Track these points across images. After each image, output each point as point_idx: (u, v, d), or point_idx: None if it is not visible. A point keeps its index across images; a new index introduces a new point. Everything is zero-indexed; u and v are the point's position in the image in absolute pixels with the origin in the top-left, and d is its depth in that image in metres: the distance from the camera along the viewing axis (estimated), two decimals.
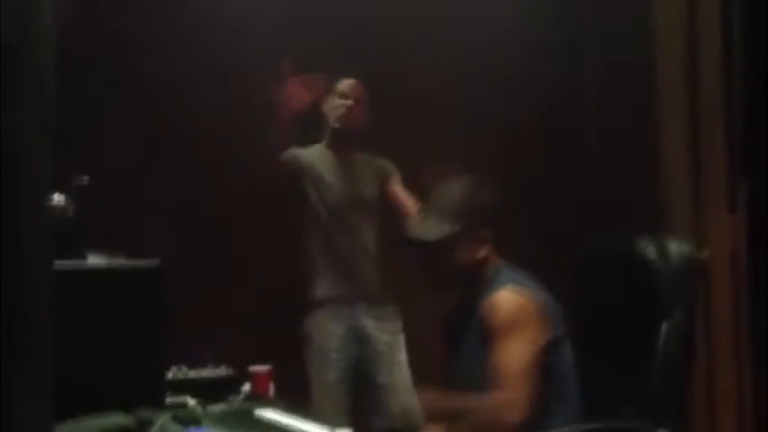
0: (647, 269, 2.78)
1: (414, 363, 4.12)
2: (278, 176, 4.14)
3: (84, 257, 2.47)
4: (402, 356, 4.11)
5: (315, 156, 4.20)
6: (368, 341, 4.08)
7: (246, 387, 3.11)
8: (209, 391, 2.94)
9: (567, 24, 5.00)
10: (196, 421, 2.20)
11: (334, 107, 4.17)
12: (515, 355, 2.65)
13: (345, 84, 4.19)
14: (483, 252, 2.86)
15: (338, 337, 4.04)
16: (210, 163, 4.58)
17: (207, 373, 3.13)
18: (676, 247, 2.80)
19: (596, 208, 4.75)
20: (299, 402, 3.08)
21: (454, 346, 2.96)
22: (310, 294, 4.12)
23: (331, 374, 4.00)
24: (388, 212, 4.13)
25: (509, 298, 2.73)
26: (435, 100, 4.78)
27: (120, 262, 2.50)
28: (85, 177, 2.68)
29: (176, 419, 2.19)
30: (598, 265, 3.06)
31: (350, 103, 4.15)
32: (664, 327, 2.71)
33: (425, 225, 2.86)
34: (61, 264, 2.03)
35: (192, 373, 3.12)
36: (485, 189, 2.92)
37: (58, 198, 2.45)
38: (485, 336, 2.73)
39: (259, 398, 3.02)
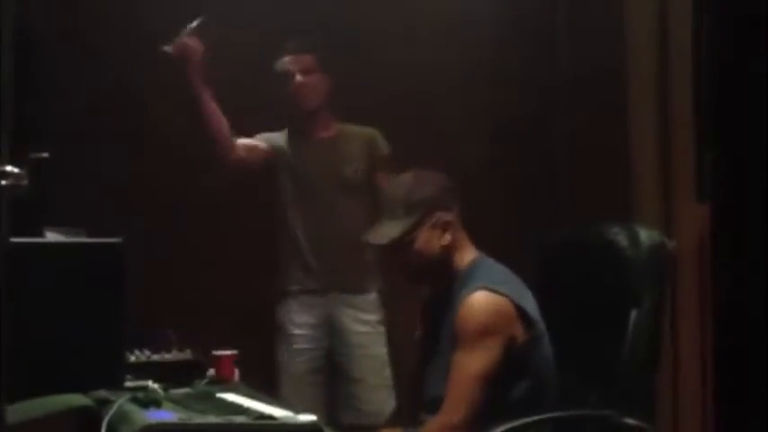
0: (616, 257, 2.75)
1: (394, 357, 3.95)
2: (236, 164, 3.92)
3: (41, 234, 2.41)
4: (380, 350, 3.90)
5: (285, 138, 3.99)
6: (341, 332, 3.88)
7: (211, 372, 3.07)
8: (173, 376, 2.89)
9: (537, 15, 4.95)
10: (156, 403, 2.15)
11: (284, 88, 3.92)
12: (471, 369, 2.60)
13: (285, 61, 3.93)
14: (447, 237, 2.80)
15: (309, 326, 3.87)
16: (179, 143, 4.49)
17: (170, 357, 3.09)
18: (646, 236, 2.77)
19: (563, 197, 4.72)
20: (264, 389, 3.04)
21: (430, 341, 2.92)
22: (282, 281, 3.94)
23: (301, 365, 3.85)
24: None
25: (482, 302, 2.66)
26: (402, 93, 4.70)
27: (78, 239, 2.44)
28: (45, 153, 2.60)
29: (135, 401, 2.15)
30: (566, 252, 3.04)
31: (298, 78, 3.89)
32: (633, 315, 2.68)
33: (379, 228, 2.84)
34: (17, 239, 2.01)
35: (156, 357, 3.07)
36: (431, 177, 2.89)
37: (12, 170, 2.37)
38: (454, 337, 2.68)
39: (223, 382, 2.98)
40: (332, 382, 3.91)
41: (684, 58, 4.11)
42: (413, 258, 2.79)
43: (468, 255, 2.84)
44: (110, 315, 2.29)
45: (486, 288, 2.68)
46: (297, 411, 2.30)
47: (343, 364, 3.88)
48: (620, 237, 2.79)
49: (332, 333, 3.89)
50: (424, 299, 3.03)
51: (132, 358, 2.98)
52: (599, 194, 4.42)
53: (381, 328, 3.93)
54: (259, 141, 3.98)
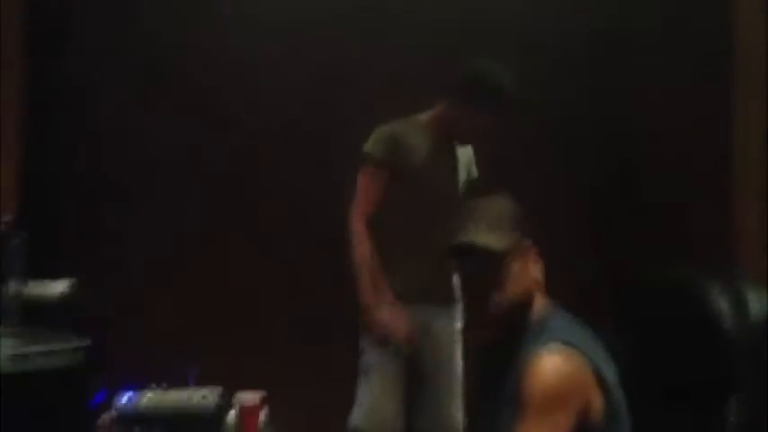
0: (717, 327, 2.28)
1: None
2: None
3: None
4: (458, 363, 3.74)
5: (413, 134, 3.68)
6: (433, 341, 3.70)
7: (232, 417, 2.71)
8: (187, 427, 2.55)
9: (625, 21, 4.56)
10: None
11: None
12: None
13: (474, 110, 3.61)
14: (538, 269, 2.38)
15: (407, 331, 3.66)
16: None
17: (187, 394, 2.73)
18: (755, 302, 2.29)
19: (656, 238, 4.32)
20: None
21: (485, 388, 2.48)
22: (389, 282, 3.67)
23: (393, 368, 3.64)
24: None
25: (556, 362, 2.20)
26: None
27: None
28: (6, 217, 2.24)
29: None
30: (657, 308, 2.55)
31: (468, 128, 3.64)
32: (734, 402, 2.23)
33: (483, 233, 2.34)
34: None
35: (172, 395, 2.72)
36: (519, 205, 2.44)
37: None
38: (518, 401, 2.22)
39: None
40: (414, 388, 3.71)
41: None
42: (508, 283, 2.33)
43: (542, 302, 2.39)
44: None
45: (560, 344, 2.22)
46: None
47: (429, 374, 3.72)
48: (722, 302, 2.31)
49: (424, 341, 3.69)
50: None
51: (149, 395, 2.68)
52: (696, 234, 4.09)
53: (460, 340, 3.77)
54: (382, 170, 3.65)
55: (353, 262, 3.58)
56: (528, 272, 2.35)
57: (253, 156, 4.37)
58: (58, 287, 2.57)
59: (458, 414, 3.68)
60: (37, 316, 2.60)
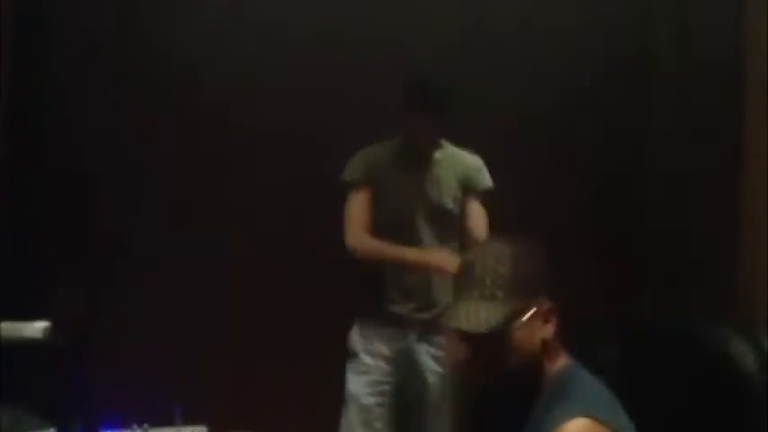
0: (736, 383, 2.18)
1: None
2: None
3: None
4: (449, 393, 3.63)
5: (385, 155, 3.69)
6: (417, 369, 3.64)
7: None
8: None
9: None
10: None
11: None
12: None
13: (418, 120, 3.62)
14: (549, 329, 2.18)
15: (384, 357, 3.63)
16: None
17: None
18: None
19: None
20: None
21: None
22: (360, 307, 3.69)
23: (371, 397, 3.61)
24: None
25: None
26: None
27: None
28: None
29: None
30: (665, 355, 2.42)
31: (420, 139, 3.65)
32: None
33: (473, 312, 2.15)
34: None
35: None
36: (534, 252, 2.23)
37: None
38: None
39: None
40: (398, 416, 3.68)
41: None
42: (508, 354, 2.17)
43: (559, 358, 2.23)
44: None
45: (588, 415, 2.08)
46: None
47: (412, 404, 3.67)
48: (746, 356, 2.20)
49: (407, 368, 3.65)
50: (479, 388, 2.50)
51: None
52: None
53: None
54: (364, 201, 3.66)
55: (378, 259, 3.57)
56: (534, 334, 2.17)
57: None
58: (35, 329, 2.58)
59: None
60: (14, 358, 2.62)
